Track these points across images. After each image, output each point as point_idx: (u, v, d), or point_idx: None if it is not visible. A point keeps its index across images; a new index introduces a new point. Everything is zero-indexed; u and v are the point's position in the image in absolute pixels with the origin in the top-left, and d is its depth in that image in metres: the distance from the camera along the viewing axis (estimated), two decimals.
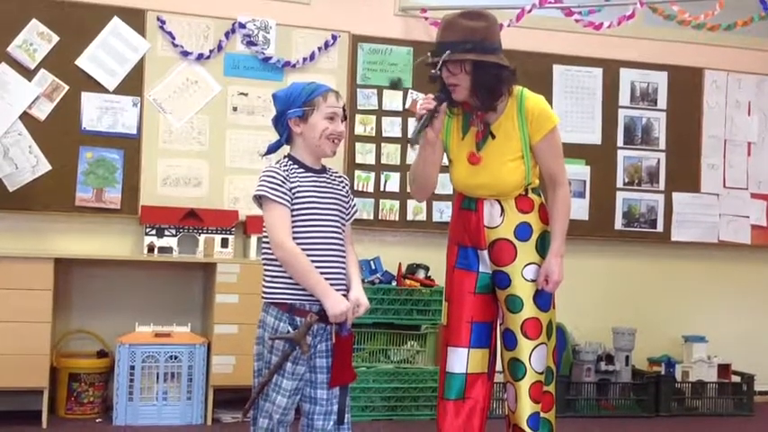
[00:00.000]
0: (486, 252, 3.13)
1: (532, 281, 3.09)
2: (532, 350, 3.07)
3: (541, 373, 3.10)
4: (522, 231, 3.11)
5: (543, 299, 3.11)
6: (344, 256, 2.79)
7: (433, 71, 2.96)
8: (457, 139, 3.15)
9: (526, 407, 3.07)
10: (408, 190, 3.37)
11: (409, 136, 2.91)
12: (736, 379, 5.43)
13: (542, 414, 3.12)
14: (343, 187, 2.87)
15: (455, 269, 3.20)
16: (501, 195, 3.11)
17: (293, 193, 2.71)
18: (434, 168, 3.19)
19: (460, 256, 3.19)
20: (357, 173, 5.23)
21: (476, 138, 3.10)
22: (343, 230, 2.82)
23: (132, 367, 4.49)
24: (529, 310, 3.08)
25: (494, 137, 3.07)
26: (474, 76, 2.97)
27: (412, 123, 5.29)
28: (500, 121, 3.08)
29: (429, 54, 3.03)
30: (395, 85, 5.20)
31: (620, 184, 5.68)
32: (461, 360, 3.11)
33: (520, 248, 3.10)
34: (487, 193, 3.11)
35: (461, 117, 3.14)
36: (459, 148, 3.15)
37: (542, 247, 3.13)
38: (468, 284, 3.15)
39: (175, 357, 4.56)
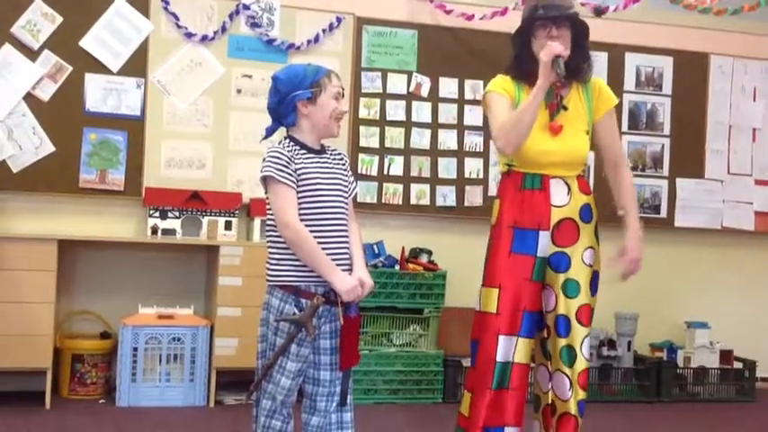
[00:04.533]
0: (548, 233, 3.08)
1: (589, 266, 3.10)
2: (584, 337, 3.06)
3: (588, 361, 3.10)
4: (586, 213, 3.13)
5: (595, 285, 3.12)
6: (348, 236, 2.79)
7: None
8: None
9: (577, 394, 3.04)
10: (502, 142, 3.07)
11: (557, 72, 2.94)
12: (738, 365, 5.43)
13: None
14: (344, 164, 2.87)
15: (510, 254, 3.09)
16: (568, 166, 3.11)
17: (298, 175, 2.71)
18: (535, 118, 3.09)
19: (516, 240, 3.09)
20: (361, 156, 5.22)
21: (549, 109, 3.11)
22: (347, 209, 2.82)
23: (135, 349, 4.51)
24: (584, 296, 3.07)
25: (566, 108, 3.11)
26: (573, 47, 3.06)
27: (416, 107, 5.32)
28: (570, 96, 3.15)
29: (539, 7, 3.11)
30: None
31: None
32: (511, 349, 3.05)
33: (583, 230, 3.10)
34: (558, 161, 3.09)
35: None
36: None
37: (597, 233, 3.16)
38: (525, 270, 3.07)
39: (178, 339, 4.57)
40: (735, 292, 5.87)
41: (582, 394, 3.06)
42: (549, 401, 3.12)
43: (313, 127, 2.78)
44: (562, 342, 3.06)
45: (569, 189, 3.11)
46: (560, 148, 3.09)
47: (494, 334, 3.06)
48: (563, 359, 3.06)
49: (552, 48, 2.92)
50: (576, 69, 3.09)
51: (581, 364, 3.05)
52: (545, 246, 3.09)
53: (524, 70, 3.11)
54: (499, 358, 3.05)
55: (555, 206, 3.09)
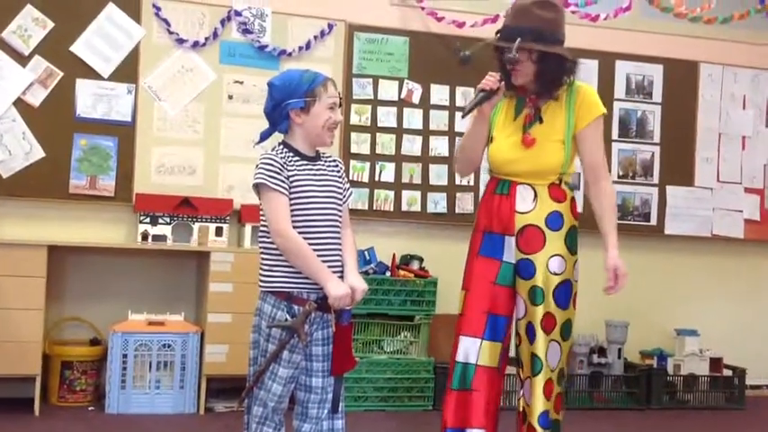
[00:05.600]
0: (513, 238, 3.07)
1: (556, 274, 3.05)
2: (548, 345, 3.03)
3: (554, 371, 3.05)
4: (554, 220, 3.07)
5: (562, 295, 3.07)
6: (340, 243, 2.79)
7: (510, 55, 2.95)
8: (503, 119, 3.14)
9: (539, 404, 3.01)
10: (455, 167, 3.38)
11: (464, 105, 2.98)
12: (727, 373, 5.44)
13: (553, 414, 3.05)
14: (338, 171, 2.87)
15: (478, 256, 3.12)
16: (537, 176, 3.07)
17: (291, 182, 2.70)
18: (483, 143, 3.16)
19: (485, 243, 3.11)
20: (352, 162, 5.22)
21: (524, 120, 3.10)
22: (341, 216, 2.81)
23: (125, 355, 4.48)
24: (548, 304, 3.04)
25: (542, 121, 3.08)
26: (539, 65, 3.01)
27: (407, 114, 5.32)
28: (548, 105, 3.10)
29: (496, 35, 3.07)
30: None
31: (614, 176, 5.66)
32: (473, 350, 3.04)
33: (549, 237, 3.06)
34: (524, 170, 3.07)
35: (515, 100, 3.13)
36: (506, 128, 3.12)
37: (571, 241, 3.11)
38: (490, 273, 3.08)
39: (168, 346, 4.55)
40: (724, 300, 5.88)
41: (546, 404, 3.02)
42: (521, 408, 3.11)
43: (306, 135, 2.77)
44: (530, 349, 3.05)
45: (536, 196, 3.08)
46: (526, 158, 3.06)
47: (457, 334, 3.10)
48: (530, 367, 3.04)
49: (483, 83, 2.98)
50: (544, 85, 3.05)
51: (546, 372, 3.02)
52: (512, 251, 3.08)
53: (508, 79, 3.08)
54: (459, 358, 3.05)
55: (519, 212, 3.07)
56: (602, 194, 3.11)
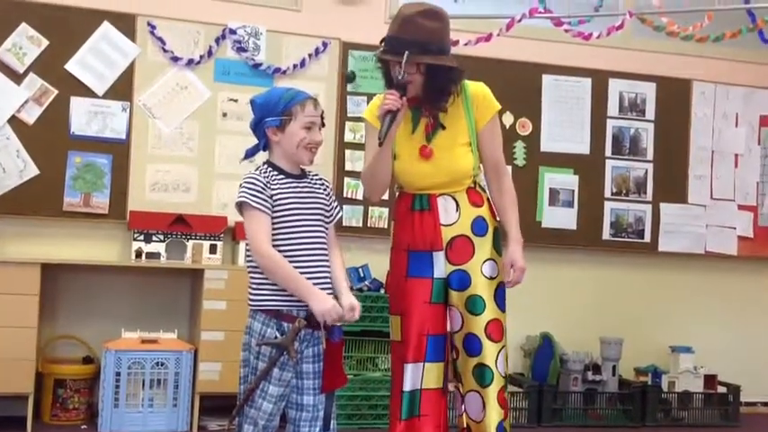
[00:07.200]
0: (442, 253, 3.03)
1: (491, 278, 3.02)
2: (498, 353, 2.98)
3: (505, 378, 3.01)
4: (479, 226, 3.05)
5: (501, 298, 3.04)
6: (328, 260, 2.79)
7: (398, 69, 2.88)
8: (405, 134, 3.07)
9: (495, 414, 2.95)
10: (365, 193, 3.28)
11: (378, 136, 2.89)
12: (722, 390, 5.44)
13: (507, 422, 3.01)
14: (324, 190, 2.88)
15: (408, 278, 3.05)
16: (452, 184, 3.05)
17: (274, 201, 2.72)
18: (391, 163, 3.09)
19: (412, 263, 3.06)
20: (346, 180, 5.23)
21: (425, 130, 3.06)
22: (326, 234, 2.82)
23: (118, 373, 4.47)
24: (491, 310, 2.99)
25: (444, 127, 3.05)
26: (427, 77, 2.96)
27: None
28: (448, 112, 3.06)
29: (382, 48, 2.99)
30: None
31: (608, 194, 5.69)
32: (418, 376, 2.99)
33: (477, 244, 3.04)
34: (439, 181, 3.04)
35: (410, 112, 3.05)
36: (408, 142, 3.07)
37: (497, 244, 3.08)
38: (423, 293, 3.03)
39: (162, 364, 4.54)
40: (718, 317, 5.89)
41: (501, 414, 2.97)
42: (465, 425, 3.05)
43: (284, 154, 2.79)
44: (473, 361, 2.99)
45: (458, 205, 3.05)
46: (437, 170, 3.03)
47: (400, 363, 3.03)
48: (475, 379, 2.99)
49: (382, 106, 2.88)
50: (433, 96, 3.01)
51: (498, 381, 2.97)
52: (441, 266, 3.04)
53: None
54: (406, 387, 3.00)
55: (444, 225, 3.04)
56: (505, 191, 3.13)
